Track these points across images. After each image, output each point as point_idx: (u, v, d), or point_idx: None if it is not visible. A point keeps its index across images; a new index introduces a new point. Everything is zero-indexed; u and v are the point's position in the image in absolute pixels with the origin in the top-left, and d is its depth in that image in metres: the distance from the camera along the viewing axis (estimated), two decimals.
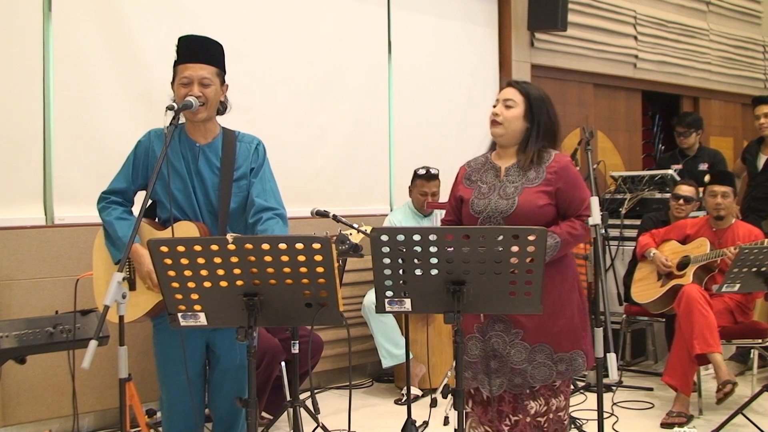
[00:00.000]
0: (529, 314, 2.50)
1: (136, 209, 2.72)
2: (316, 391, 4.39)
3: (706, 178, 4.83)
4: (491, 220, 2.67)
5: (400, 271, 2.23)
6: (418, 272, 2.22)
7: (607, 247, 5.56)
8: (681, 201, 5.01)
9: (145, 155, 2.82)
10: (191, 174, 2.79)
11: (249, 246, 2.13)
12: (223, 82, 2.80)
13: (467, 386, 2.74)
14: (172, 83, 2.78)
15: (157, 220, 2.89)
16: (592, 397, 4.55)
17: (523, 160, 2.73)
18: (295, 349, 3.39)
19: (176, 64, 2.76)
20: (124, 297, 2.25)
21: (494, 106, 2.80)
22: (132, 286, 2.81)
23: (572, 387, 4.77)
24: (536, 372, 2.66)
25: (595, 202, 2.93)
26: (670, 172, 5.83)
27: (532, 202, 2.66)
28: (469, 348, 2.73)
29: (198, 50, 2.74)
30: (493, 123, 2.77)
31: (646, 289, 4.74)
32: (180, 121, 2.69)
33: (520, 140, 2.76)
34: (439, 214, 4.90)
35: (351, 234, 3.22)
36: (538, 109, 2.75)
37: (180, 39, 2.78)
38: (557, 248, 2.62)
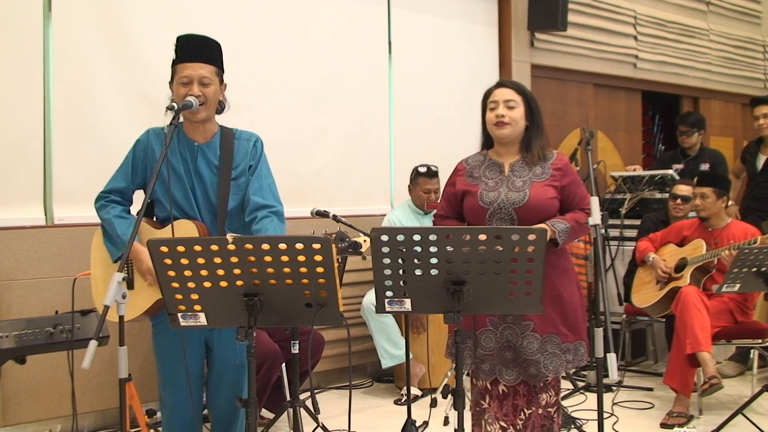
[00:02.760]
0: None
1: (134, 208, 2.72)
2: (316, 391, 4.38)
3: (695, 179, 4.83)
4: (502, 211, 2.76)
5: (400, 271, 2.24)
6: (418, 272, 2.23)
7: (607, 247, 5.56)
8: (678, 200, 5.01)
9: (143, 154, 2.82)
10: (190, 173, 2.79)
11: (249, 246, 2.13)
12: (221, 81, 2.80)
13: (484, 379, 2.84)
14: (171, 82, 2.77)
15: (155, 219, 2.89)
16: (592, 397, 4.54)
17: (529, 158, 2.84)
18: (295, 349, 3.39)
19: (175, 63, 2.76)
20: (124, 297, 2.25)
21: (491, 109, 2.85)
22: (130, 285, 2.81)
23: (572, 387, 4.79)
24: (548, 362, 2.76)
25: (595, 202, 2.95)
26: (670, 172, 5.83)
27: (541, 194, 2.77)
28: (484, 341, 2.81)
29: (197, 49, 2.74)
30: (501, 125, 2.83)
31: (646, 294, 4.75)
32: (178, 121, 2.68)
33: (521, 139, 2.86)
34: None
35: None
36: (535, 108, 2.87)
37: (179, 38, 2.77)
38: (568, 233, 2.75)
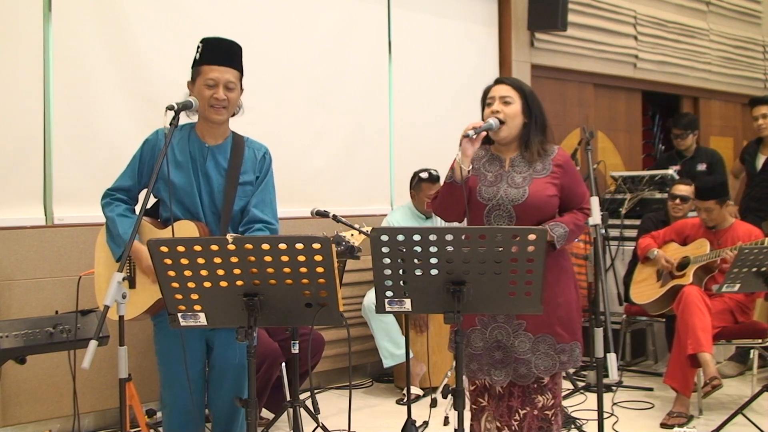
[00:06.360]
0: None
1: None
2: (316, 391, 4.39)
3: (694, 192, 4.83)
4: (501, 208, 2.73)
5: (400, 271, 2.23)
6: (418, 272, 2.23)
7: (607, 247, 5.56)
8: (677, 200, 5.02)
9: (151, 154, 2.82)
10: (198, 174, 2.79)
11: (249, 246, 2.13)
12: (241, 85, 2.82)
13: (477, 378, 2.81)
14: (191, 82, 2.77)
15: (159, 219, 2.89)
16: (592, 397, 4.54)
17: (528, 155, 2.79)
18: (295, 349, 3.39)
19: (199, 64, 2.75)
20: (124, 297, 2.25)
21: (489, 105, 2.83)
22: (132, 284, 2.81)
23: (572, 387, 4.79)
24: (540, 362, 2.72)
25: (595, 202, 2.94)
26: (670, 172, 5.84)
27: (542, 191, 2.73)
28: (472, 340, 2.78)
29: (225, 53, 2.76)
30: None
31: (646, 290, 4.74)
32: (183, 122, 2.68)
33: (519, 135, 2.81)
34: None
35: (353, 235, 3.20)
36: (533, 104, 2.82)
37: (206, 40, 2.78)
38: (566, 237, 2.71)
